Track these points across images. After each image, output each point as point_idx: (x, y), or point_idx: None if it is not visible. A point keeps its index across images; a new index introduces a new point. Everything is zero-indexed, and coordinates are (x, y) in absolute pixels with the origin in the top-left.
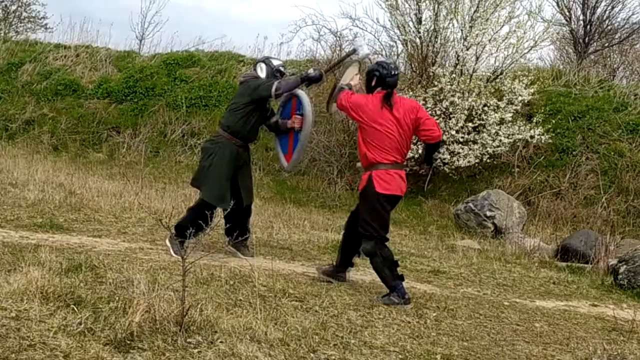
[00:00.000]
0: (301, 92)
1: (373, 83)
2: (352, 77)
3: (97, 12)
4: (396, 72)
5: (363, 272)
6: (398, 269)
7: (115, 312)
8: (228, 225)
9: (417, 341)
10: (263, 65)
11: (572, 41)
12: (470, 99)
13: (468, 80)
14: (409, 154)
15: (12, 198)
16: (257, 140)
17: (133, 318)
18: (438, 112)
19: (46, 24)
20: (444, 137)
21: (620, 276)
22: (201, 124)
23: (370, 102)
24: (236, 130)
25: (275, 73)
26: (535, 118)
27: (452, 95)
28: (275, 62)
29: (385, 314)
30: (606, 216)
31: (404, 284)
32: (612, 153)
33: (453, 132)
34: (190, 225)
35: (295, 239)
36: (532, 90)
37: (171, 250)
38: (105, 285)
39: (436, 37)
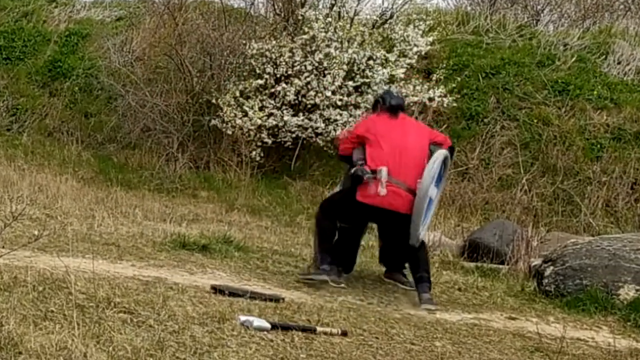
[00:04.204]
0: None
1: None
2: None
3: None
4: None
5: (212, 275)
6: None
7: None
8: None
9: None
10: None
11: None
12: (350, 51)
13: (348, 26)
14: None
15: None
16: None
17: None
18: (309, 68)
19: None
20: (317, 100)
21: (546, 280)
22: (1, 82)
23: None
24: None
25: None
26: (435, 75)
27: (328, 46)
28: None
29: (240, 330)
30: (527, 202)
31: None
32: (536, 120)
33: (328, 94)
34: None
35: (124, 232)
36: (431, 39)
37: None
38: None
39: None
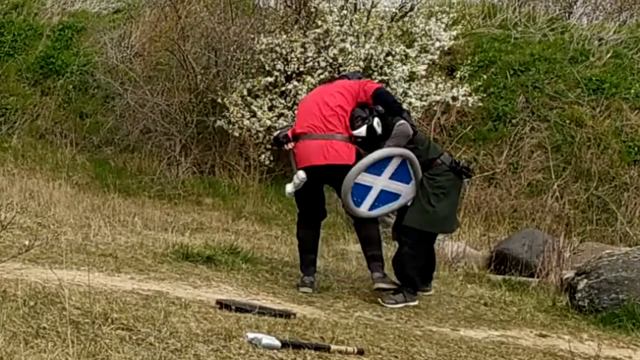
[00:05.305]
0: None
1: None
2: None
3: None
4: None
5: (217, 289)
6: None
7: None
8: None
9: None
10: None
11: None
12: (367, 46)
13: (365, 19)
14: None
15: None
16: None
17: None
18: (323, 64)
19: None
20: None
21: (579, 295)
22: None
23: None
24: None
25: None
26: (459, 72)
27: (343, 40)
28: None
29: (248, 348)
30: (559, 210)
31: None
32: (568, 121)
33: None
34: None
35: (122, 242)
36: (454, 33)
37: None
38: None
39: None
